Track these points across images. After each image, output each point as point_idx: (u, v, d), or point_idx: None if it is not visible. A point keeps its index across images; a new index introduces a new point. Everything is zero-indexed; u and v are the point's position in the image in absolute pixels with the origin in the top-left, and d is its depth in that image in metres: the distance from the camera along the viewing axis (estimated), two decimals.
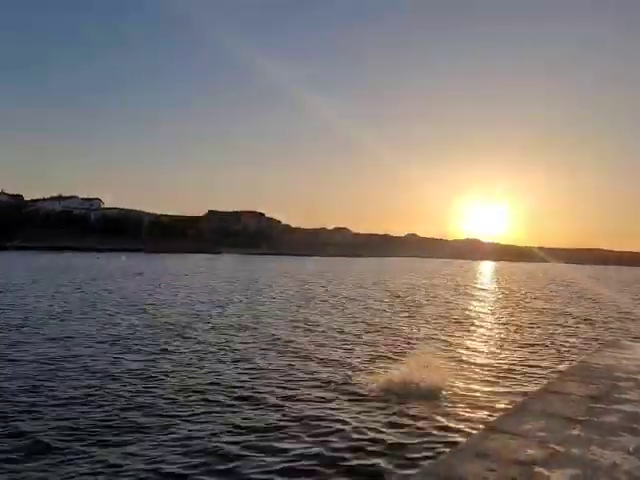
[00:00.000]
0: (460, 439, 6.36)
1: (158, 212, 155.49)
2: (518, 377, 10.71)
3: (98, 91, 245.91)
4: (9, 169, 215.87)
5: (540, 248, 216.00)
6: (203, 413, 7.80)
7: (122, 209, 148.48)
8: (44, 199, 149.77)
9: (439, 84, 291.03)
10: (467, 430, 7.12)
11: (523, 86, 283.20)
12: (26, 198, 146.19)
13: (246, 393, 8.87)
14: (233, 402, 8.38)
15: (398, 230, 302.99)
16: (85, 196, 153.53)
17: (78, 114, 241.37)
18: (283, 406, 8.20)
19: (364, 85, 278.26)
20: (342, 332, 16.04)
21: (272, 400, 8.51)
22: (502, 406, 8.32)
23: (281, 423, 7.44)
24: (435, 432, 7.16)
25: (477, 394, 9.20)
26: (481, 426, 5.24)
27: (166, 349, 12.48)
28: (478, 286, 46.51)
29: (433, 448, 6.54)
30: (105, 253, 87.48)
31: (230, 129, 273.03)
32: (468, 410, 8.19)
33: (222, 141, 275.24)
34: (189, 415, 7.71)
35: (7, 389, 8.69)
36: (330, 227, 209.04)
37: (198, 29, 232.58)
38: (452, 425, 7.46)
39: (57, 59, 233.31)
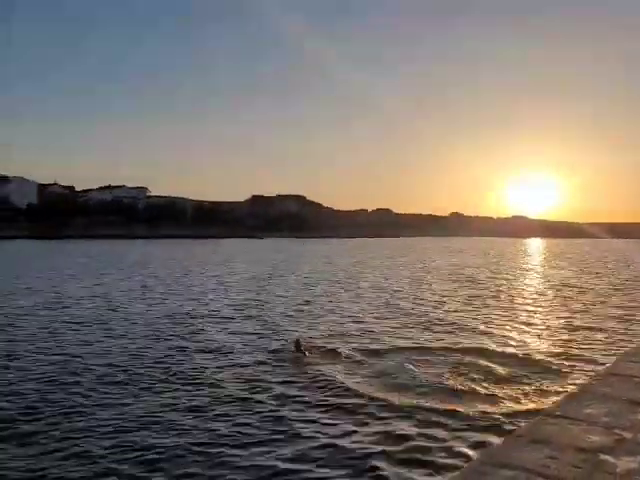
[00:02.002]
0: (517, 424, 6.10)
1: (202, 199, 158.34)
2: (576, 359, 10.27)
3: (145, 83, 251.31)
4: (61, 160, 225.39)
5: (593, 224, 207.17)
6: None
7: (167, 197, 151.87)
8: (95, 189, 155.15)
9: (486, 57, 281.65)
10: (524, 415, 6.86)
11: (581, 54, 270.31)
12: (77, 189, 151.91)
13: None
14: None
15: (442, 209, 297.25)
16: (132, 185, 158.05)
17: (121, 106, 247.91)
18: None
19: (408, 63, 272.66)
20: None
21: None
22: (561, 389, 7.96)
23: None
24: (490, 416, 6.92)
25: (533, 377, 8.84)
26: (539, 410, 5.04)
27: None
28: (526, 266, 45.19)
29: (488, 433, 6.35)
30: (152, 240, 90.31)
31: (270, 113, 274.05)
32: (524, 394, 7.88)
33: (263, 125, 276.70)
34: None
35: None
36: (372, 208, 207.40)
37: (248, 14, 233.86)
38: (509, 409, 7.18)
39: (100, 47, 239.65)
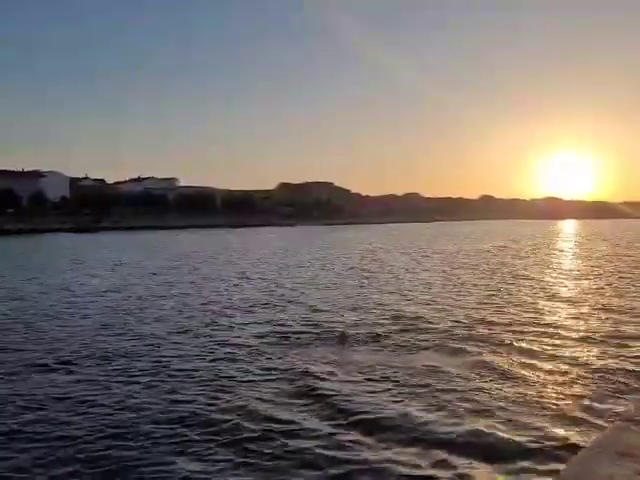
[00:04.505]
0: (593, 433, 5.34)
1: (231, 188, 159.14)
2: None
3: (173, 76, 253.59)
4: (91, 154, 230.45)
5: (627, 203, 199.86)
6: None
7: (197, 187, 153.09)
8: (125, 181, 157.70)
9: (516, 34, 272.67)
10: (598, 422, 5.93)
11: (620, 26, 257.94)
12: (108, 181, 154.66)
13: None
14: None
15: (472, 193, 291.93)
16: (162, 176, 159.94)
17: (151, 99, 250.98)
18: None
19: (443, 46, 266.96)
20: None
21: None
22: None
23: None
24: (560, 423, 6.18)
25: (606, 375, 7.88)
26: (616, 416, 4.52)
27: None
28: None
29: (561, 445, 5.55)
30: (185, 230, 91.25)
31: (295, 101, 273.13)
32: (599, 394, 7.02)
33: (288, 114, 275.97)
34: None
35: None
36: (400, 193, 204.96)
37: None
38: (580, 414, 6.36)
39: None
